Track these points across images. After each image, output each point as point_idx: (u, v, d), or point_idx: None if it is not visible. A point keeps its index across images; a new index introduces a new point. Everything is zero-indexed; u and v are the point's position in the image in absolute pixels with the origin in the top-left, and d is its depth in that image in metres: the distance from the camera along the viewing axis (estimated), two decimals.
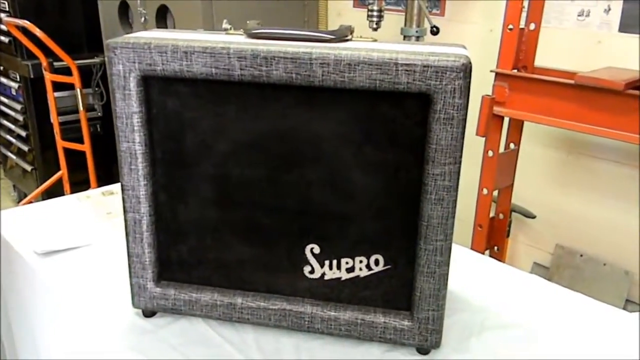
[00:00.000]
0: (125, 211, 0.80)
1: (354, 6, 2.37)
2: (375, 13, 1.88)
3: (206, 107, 0.74)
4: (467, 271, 1.01)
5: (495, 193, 1.76)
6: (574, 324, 0.87)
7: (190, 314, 0.83)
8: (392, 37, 2.02)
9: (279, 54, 0.68)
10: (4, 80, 2.78)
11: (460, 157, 0.69)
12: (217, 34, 0.78)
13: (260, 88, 0.71)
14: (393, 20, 2.03)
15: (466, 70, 0.65)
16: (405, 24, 1.94)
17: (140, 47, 0.71)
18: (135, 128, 0.75)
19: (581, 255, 1.88)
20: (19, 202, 3.14)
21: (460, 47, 0.73)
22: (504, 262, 1.61)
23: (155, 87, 0.74)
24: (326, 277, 0.79)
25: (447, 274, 0.74)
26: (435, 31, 1.86)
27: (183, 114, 0.75)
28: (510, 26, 1.55)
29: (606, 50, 1.69)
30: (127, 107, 0.74)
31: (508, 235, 1.87)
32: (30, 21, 2.26)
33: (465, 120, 0.68)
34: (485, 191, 1.69)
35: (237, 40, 0.71)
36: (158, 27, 2.15)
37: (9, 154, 3.02)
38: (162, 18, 2.17)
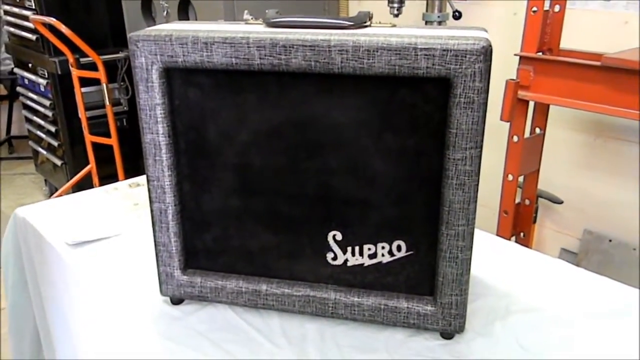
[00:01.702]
0: (151, 201, 0.82)
1: None
2: None
3: (227, 97, 0.75)
4: (492, 257, 1.00)
5: (521, 179, 1.74)
6: (600, 308, 0.86)
7: (217, 301, 0.85)
8: (414, 24, 2.00)
9: (297, 42, 0.68)
10: (32, 77, 2.84)
11: (482, 141, 0.69)
12: (236, 24, 0.78)
13: (279, 77, 0.72)
14: (414, 6, 2.01)
15: (486, 53, 0.64)
16: (426, 9, 1.92)
17: (161, 39, 0.72)
18: (159, 119, 0.76)
19: (610, 241, 1.85)
20: (50, 196, 3.21)
21: (481, 30, 0.72)
22: (530, 248, 1.60)
23: (177, 78, 0.76)
24: (349, 264, 0.79)
25: (470, 259, 0.74)
26: (457, 16, 1.84)
27: (204, 104, 0.76)
28: (535, 8, 1.52)
29: (633, 30, 1.65)
30: (150, 99, 0.75)
31: (535, 221, 1.85)
32: (56, 18, 2.31)
33: (486, 104, 0.67)
34: (510, 177, 1.67)
35: (256, 30, 0.72)
36: (180, 20, 2.18)
37: (40, 149, 3.09)
38: (184, 11, 2.19)
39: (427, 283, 0.77)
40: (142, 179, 1.34)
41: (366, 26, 0.74)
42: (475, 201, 0.71)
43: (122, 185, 1.32)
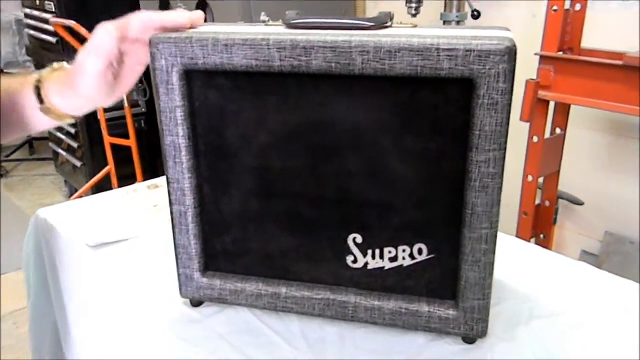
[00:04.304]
0: (171, 204, 0.82)
1: None
2: None
3: (246, 99, 0.75)
4: (513, 259, 0.99)
5: (541, 179, 1.72)
6: (624, 312, 0.85)
7: (236, 303, 0.85)
8: (432, 23, 1.99)
9: (318, 43, 0.68)
10: None
11: (505, 143, 0.68)
12: (256, 26, 0.78)
13: (299, 78, 0.71)
14: (432, 5, 2.00)
15: (510, 53, 0.63)
16: (444, 9, 1.90)
17: (181, 41, 0.72)
18: (179, 122, 0.76)
19: (631, 242, 1.82)
20: (69, 196, 3.25)
21: (504, 30, 0.71)
22: (550, 250, 1.58)
23: (197, 80, 0.75)
24: (369, 267, 0.79)
25: (493, 263, 0.73)
26: (476, 15, 1.82)
27: (224, 106, 0.76)
28: (555, 7, 1.50)
29: None
30: (170, 101, 0.75)
31: (555, 223, 1.82)
32: (75, 21, 2.33)
33: (510, 105, 0.66)
34: (530, 178, 1.65)
35: (276, 31, 0.71)
36: None
37: (60, 150, 3.13)
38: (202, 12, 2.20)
39: (448, 287, 0.76)
40: (160, 181, 1.34)
41: (387, 26, 0.73)
42: (499, 204, 0.70)
43: (141, 187, 1.32)
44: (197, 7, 2.17)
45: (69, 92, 0.74)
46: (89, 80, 0.72)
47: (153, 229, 1.11)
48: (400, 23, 0.75)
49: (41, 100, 0.74)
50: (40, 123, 0.77)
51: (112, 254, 1.03)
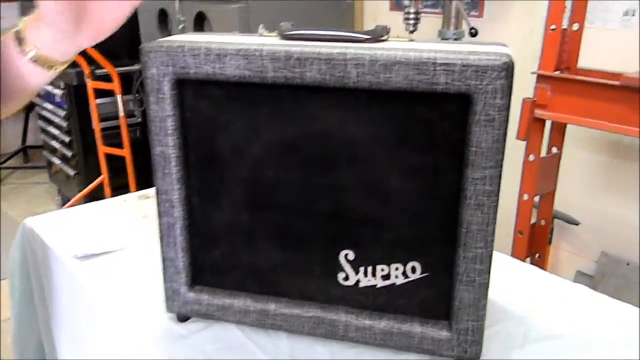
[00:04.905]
0: (159, 215, 0.80)
1: (390, 9, 2.35)
2: (411, 16, 1.85)
3: (239, 110, 0.73)
4: (508, 279, 0.97)
5: (537, 199, 1.71)
6: (621, 335, 0.83)
7: (224, 319, 0.82)
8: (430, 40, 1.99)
9: (312, 55, 0.66)
10: (48, 87, 2.85)
11: (502, 160, 0.66)
12: (250, 36, 0.77)
13: (293, 90, 0.70)
14: (430, 22, 2.00)
15: (508, 69, 0.62)
16: (442, 27, 1.90)
17: (173, 50, 0.71)
18: (169, 132, 0.74)
19: (627, 264, 1.81)
20: (62, 205, 3.22)
21: (501, 46, 0.70)
22: (546, 270, 1.56)
23: (189, 90, 0.74)
24: (361, 285, 0.77)
25: (488, 283, 0.71)
26: (473, 33, 1.82)
27: (216, 117, 0.75)
28: (553, 26, 1.50)
29: None
30: (161, 111, 0.73)
31: (550, 243, 1.81)
32: None
33: (507, 121, 0.65)
34: (526, 197, 1.64)
35: (270, 42, 0.70)
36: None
37: (54, 159, 3.11)
38: (200, 24, 2.19)
39: (442, 307, 0.74)
40: (151, 191, 1.32)
41: (383, 40, 0.72)
42: (494, 223, 0.68)
43: (131, 197, 1.30)
44: (196, 20, 2.17)
45: (38, 24, 0.70)
46: (50, 3, 0.68)
47: (141, 240, 1.09)
48: (397, 37, 0.74)
49: (20, 41, 0.71)
50: (32, 73, 0.72)
51: (99, 266, 1.00)
